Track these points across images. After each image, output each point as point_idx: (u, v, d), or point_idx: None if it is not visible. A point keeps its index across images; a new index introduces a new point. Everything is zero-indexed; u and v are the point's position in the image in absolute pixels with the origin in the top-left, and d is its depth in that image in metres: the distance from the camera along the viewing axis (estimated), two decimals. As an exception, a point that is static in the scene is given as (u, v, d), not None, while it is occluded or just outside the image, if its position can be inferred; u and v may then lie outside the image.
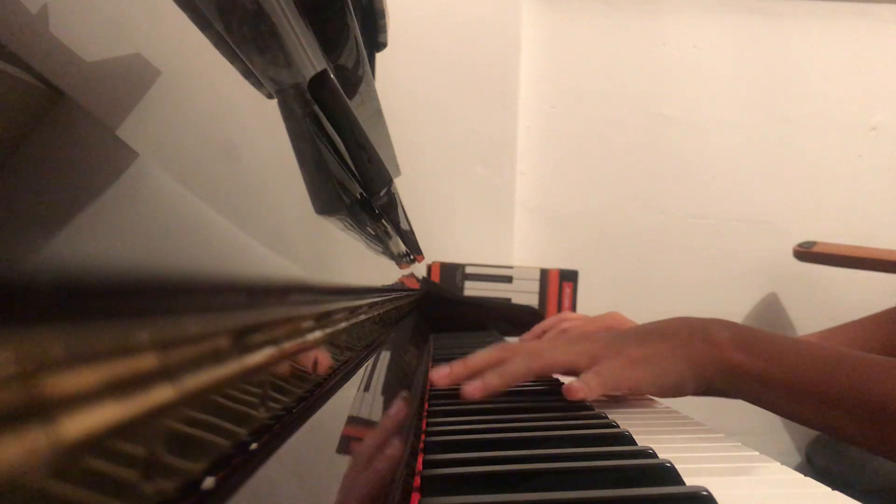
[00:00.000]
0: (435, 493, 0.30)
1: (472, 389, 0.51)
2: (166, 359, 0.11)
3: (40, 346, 0.08)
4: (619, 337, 0.55)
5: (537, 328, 0.84)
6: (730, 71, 1.53)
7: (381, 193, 0.57)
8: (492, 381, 0.51)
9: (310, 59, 0.43)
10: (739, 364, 0.51)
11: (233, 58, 0.26)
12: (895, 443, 0.46)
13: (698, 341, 0.52)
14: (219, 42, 0.25)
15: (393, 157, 0.82)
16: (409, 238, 0.87)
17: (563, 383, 0.58)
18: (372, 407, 0.34)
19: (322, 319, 0.25)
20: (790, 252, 1.46)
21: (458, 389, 0.53)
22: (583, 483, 0.31)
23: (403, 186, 0.92)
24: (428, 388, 0.57)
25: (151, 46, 0.19)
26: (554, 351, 0.54)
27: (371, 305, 0.42)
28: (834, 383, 0.48)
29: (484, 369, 0.53)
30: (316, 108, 0.41)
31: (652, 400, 0.58)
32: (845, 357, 0.49)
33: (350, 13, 0.56)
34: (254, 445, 0.17)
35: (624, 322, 0.81)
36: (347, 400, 0.28)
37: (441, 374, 0.53)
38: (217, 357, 0.14)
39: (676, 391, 0.54)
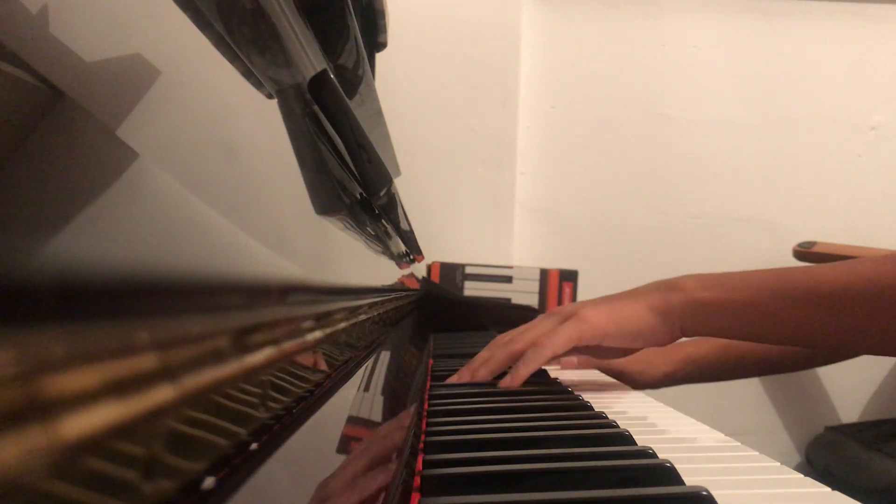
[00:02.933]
0: (435, 493, 0.30)
1: (459, 377, 0.60)
2: (166, 359, 0.11)
3: (40, 346, 0.08)
4: (587, 301, 0.63)
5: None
6: (730, 71, 1.53)
7: (381, 193, 0.57)
8: (481, 373, 0.59)
9: (310, 59, 0.43)
10: (705, 299, 0.57)
11: (233, 58, 0.26)
12: (854, 326, 0.52)
13: (663, 291, 0.60)
14: (219, 42, 0.25)
15: (393, 157, 0.82)
16: (409, 238, 0.87)
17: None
18: (372, 407, 0.34)
19: (322, 319, 0.25)
20: (790, 252, 1.46)
21: (457, 390, 0.56)
22: (583, 483, 0.31)
23: (403, 186, 0.92)
24: (427, 387, 0.57)
25: (151, 46, 0.19)
26: (527, 333, 0.61)
27: (371, 305, 0.42)
28: (793, 289, 0.54)
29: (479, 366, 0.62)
30: (316, 108, 0.41)
31: (652, 399, 0.58)
32: (796, 268, 0.57)
33: (350, 13, 0.56)
34: (254, 445, 0.17)
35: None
36: (347, 400, 0.28)
37: (452, 379, 0.61)
38: (217, 357, 0.14)
39: (647, 338, 0.60)
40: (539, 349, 0.58)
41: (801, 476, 0.35)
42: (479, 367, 0.60)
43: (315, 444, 0.22)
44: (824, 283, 0.53)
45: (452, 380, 0.60)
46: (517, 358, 0.59)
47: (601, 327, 0.59)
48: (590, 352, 0.63)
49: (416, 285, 0.94)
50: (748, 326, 0.57)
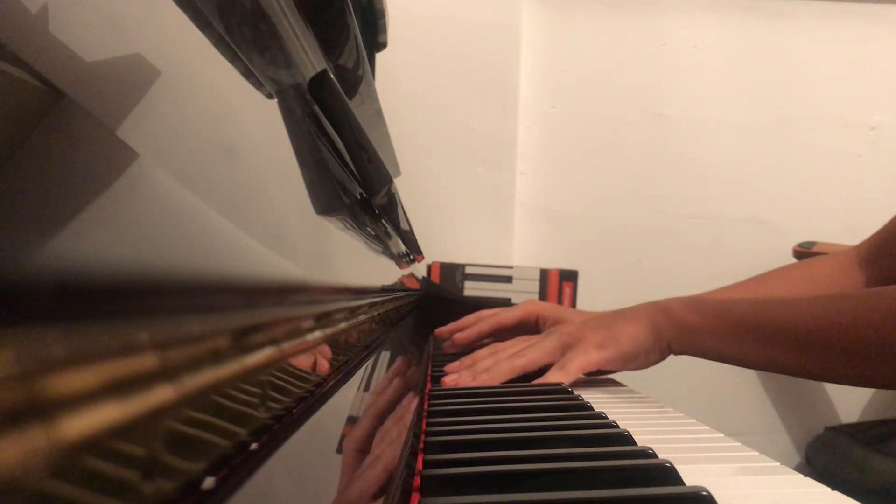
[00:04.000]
0: (435, 493, 0.30)
1: (458, 380, 0.60)
2: (166, 359, 0.11)
3: (40, 346, 0.08)
4: (583, 325, 0.64)
5: (457, 325, 0.83)
6: (730, 71, 1.53)
7: (381, 193, 0.57)
8: (481, 380, 0.60)
9: (310, 59, 0.43)
10: (691, 323, 0.60)
11: (233, 58, 0.26)
12: (835, 366, 0.54)
13: (653, 312, 0.62)
14: (219, 42, 0.25)
15: (393, 157, 0.82)
16: (409, 238, 0.87)
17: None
18: (372, 407, 0.34)
19: (322, 319, 0.25)
20: (790, 252, 1.46)
21: (458, 389, 0.57)
22: (583, 483, 0.31)
23: (403, 186, 0.92)
24: (427, 388, 0.57)
25: (151, 46, 0.19)
26: (532, 351, 0.63)
27: (371, 305, 0.42)
28: (773, 323, 0.56)
29: (481, 371, 0.62)
30: (316, 108, 0.41)
31: (652, 400, 0.58)
32: (780, 300, 0.58)
33: (350, 13, 0.56)
34: (254, 445, 0.17)
35: (541, 306, 0.83)
36: (347, 400, 0.28)
37: (451, 380, 0.62)
38: (217, 357, 0.14)
39: (642, 361, 0.62)
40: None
41: (801, 476, 0.35)
42: (482, 373, 0.61)
43: (315, 444, 0.22)
44: (802, 323, 0.54)
45: (450, 382, 0.61)
46: (518, 374, 0.61)
47: (604, 356, 0.61)
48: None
49: (416, 285, 0.94)
50: (730, 353, 0.59)
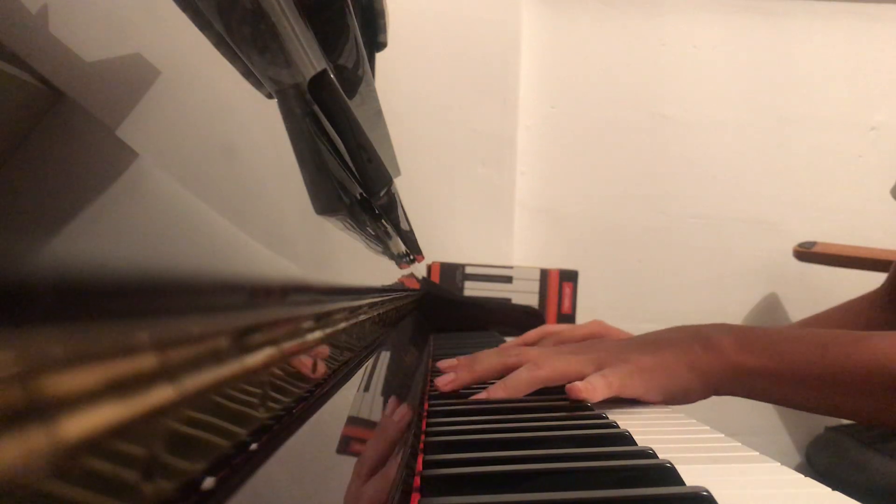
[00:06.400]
0: (435, 493, 0.30)
1: (475, 399, 0.52)
2: (166, 359, 0.11)
3: (40, 346, 0.08)
4: (624, 346, 0.56)
5: (521, 339, 0.80)
6: (729, 71, 1.53)
7: (381, 194, 0.57)
8: (496, 394, 0.52)
9: (310, 59, 0.42)
10: (746, 365, 0.52)
11: (233, 58, 0.26)
12: None
13: (700, 349, 0.54)
14: (219, 42, 0.25)
15: (393, 158, 0.82)
16: (409, 238, 0.87)
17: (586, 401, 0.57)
18: (372, 407, 0.34)
19: (322, 319, 0.25)
20: (790, 252, 1.46)
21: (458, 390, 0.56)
22: (583, 483, 0.31)
23: (403, 186, 0.92)
24: (428, 388, 0.57)
25: (151, 46, 0.19)
26: (558, 361, 0.54)
27: (371, 305, 0.42)
28: (837, 364, 0.49)
29: (489, 376, 0.55)
30: (316, 108, 0.41)
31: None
32: (842, 337, 0.51)
33: (350, 13, 0.56)
34: (254, 445, 0.17)
35: (608, 329, 0.79)
36: (347, 400, 0.28)
37: (445, 381, 0.55)
38: (217, 357, 0.14)
39: (682, 399, 0.55)
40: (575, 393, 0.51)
41: (801, 476, 0.35)
42: (499, 389, 0.54)
43: (315, 445, 0.22)
44: (889, 366, 0.48)
45: (445, 382, 0.55)
46: (538, 387, 0.54)
47: (644, 386, 0.53)
48: None
49: (416, 285, 0.94)
50: (789, 398, 0.53)
